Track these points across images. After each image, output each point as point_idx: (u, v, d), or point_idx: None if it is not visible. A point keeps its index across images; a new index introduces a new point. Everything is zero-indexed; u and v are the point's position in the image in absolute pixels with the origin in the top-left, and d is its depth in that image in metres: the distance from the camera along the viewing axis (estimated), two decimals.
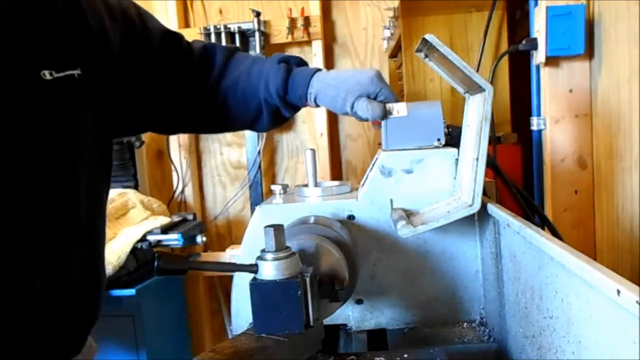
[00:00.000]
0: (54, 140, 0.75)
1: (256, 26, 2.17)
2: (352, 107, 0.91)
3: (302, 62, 0.99)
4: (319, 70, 0.96)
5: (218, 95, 0.98)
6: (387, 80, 2.41)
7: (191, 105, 0.99)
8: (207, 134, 2.34)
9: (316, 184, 1.07)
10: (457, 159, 0.94)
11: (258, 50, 2.18)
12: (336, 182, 1.12)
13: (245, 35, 2.21)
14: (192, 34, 2.23)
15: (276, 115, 0.99)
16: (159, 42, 0.94)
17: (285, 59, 0.97)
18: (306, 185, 1.08)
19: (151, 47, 0.93)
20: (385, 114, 0.93)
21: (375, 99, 0.91)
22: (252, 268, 0.74)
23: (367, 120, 0.93)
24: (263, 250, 0.74)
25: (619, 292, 0.45)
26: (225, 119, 1.02)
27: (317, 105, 0.95)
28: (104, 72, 0.83)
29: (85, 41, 0.79)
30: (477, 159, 0.87)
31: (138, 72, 0.90)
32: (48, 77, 0.72)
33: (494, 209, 0.86)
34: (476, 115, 0.89)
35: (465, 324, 1.00)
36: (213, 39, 2.20)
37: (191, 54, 0.98)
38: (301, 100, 0.95)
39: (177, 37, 0.99)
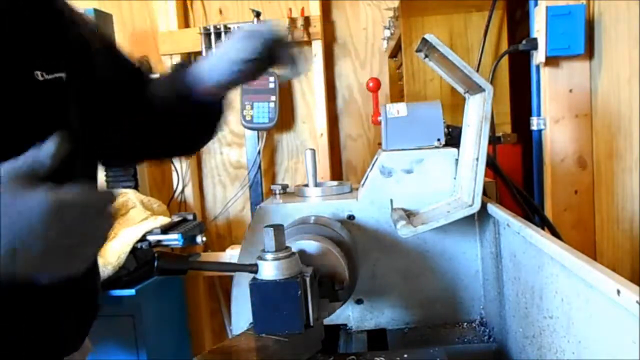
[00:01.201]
0: (47, 135, 0.75)
1: None
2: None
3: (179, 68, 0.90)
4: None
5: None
6: (387, 79, 2.36)
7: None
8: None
9: (316, 184, 1.07)
10: (457, 159, 0.94)
11: None
12: (336, 182, 1.13)
13: None
14: (192, 34, 2.24)
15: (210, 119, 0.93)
16: (128, 73, 0.92)
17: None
18: (306, 185, 1.08)
19: (121, 74, 0.91)
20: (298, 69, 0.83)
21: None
22: (252, 268, 0.74)
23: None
24: (263, 250, 0.74)
25: (619, 292, 0.45)
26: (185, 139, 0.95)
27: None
28: (85, 79, 0.82)
29: (68, 47, 0.79)
30: (477, 159, 0.87)
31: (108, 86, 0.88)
32: (40, 78, 0.73)
33: (494, 209, 0.86)
34: (476, 115, 0.89)
35: (465, 324, 1.00)
36: (213, 39, 2.20)
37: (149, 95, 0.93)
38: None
39: (142, 75, 0.94)
